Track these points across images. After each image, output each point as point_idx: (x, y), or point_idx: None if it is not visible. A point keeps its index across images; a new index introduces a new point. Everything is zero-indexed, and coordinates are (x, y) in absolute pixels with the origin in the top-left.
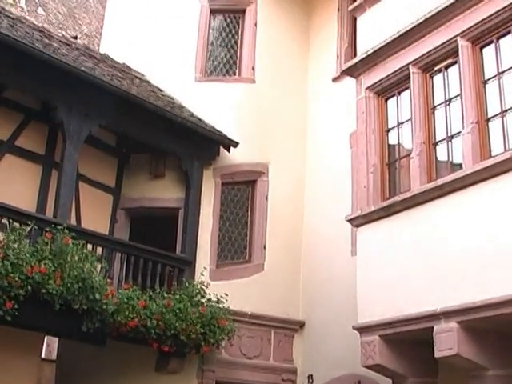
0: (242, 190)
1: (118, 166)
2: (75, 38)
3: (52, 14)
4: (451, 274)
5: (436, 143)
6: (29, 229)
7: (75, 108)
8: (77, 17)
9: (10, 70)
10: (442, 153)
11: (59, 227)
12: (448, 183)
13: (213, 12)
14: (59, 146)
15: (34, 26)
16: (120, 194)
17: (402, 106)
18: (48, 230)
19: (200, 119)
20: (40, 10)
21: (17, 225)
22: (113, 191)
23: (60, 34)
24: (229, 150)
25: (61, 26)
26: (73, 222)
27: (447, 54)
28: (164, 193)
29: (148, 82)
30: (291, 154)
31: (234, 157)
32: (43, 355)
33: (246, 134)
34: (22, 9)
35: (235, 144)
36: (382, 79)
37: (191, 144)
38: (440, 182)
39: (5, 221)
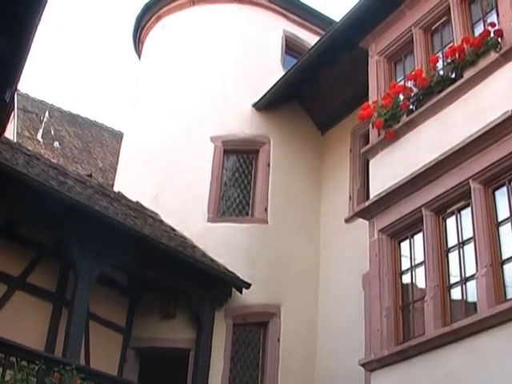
0: (254, 332)
1: (128, 305)
2: (90, 175)
3: (68, 147)
4: None
5: (450, 286)
6: (37, 368)
7: (88, 247)
8: (92, 151)
9: (25, 206)
10: (456, 294)
11: (68, 367)
12: (463, 327)
13: (226, 153)
14: (70, 284)
15: (50, 163)
16: (130, 334)
17: (416, 249)
18: (56, 369)
19: (212, 259)
20: (56, 144)
21: (24, 363)
22: (123, 330)
23: (75, 169)
24: (241, 292)
25: (76, 159)
26: (81, 360)
27: (460, 197)
28: (175, 333)
29: (161, 221)
30: (304, 294)
31: (246, 298)
32: None
33: (258, 275)
34: (39, 142)
35: (247, 285)
36: (394, 222)
37: (203, 284)
38: (455, 326)
39: (12, 359)
